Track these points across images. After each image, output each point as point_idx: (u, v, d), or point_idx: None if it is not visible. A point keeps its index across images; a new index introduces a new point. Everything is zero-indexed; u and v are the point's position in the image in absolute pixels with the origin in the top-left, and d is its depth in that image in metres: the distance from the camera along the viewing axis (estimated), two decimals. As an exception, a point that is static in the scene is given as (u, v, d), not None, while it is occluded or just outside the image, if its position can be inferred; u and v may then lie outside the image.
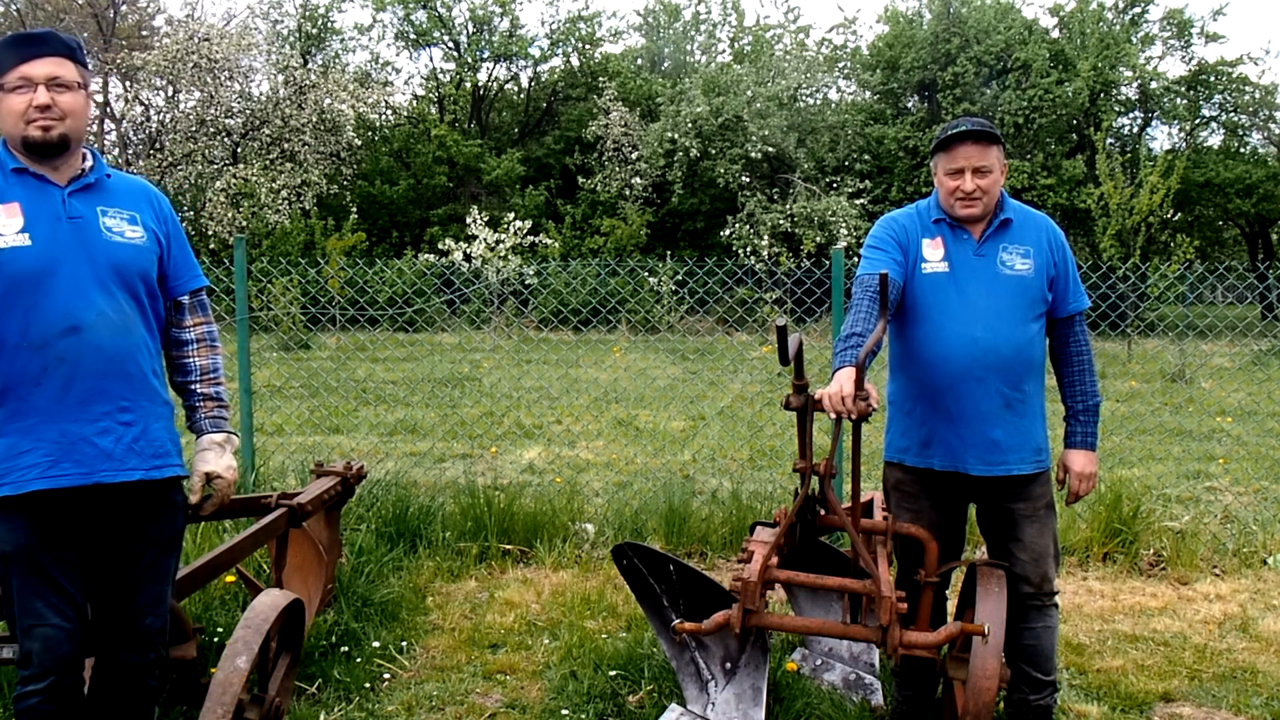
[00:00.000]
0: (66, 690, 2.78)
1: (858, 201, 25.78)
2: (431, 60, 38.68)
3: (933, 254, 3.43)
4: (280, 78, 26.52)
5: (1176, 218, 27.81)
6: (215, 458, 3.05)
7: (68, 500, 2.75)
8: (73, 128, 2.79)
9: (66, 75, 2.78)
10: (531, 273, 21.33)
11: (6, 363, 2.70)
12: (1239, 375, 14.19)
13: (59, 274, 2.72)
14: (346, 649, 4.37)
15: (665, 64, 33.32)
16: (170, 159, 25.44)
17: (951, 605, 3.85)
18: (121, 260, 2.83)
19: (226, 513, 4.41)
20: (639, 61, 33.40)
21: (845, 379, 2.98)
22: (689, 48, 33.49)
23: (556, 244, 25.13)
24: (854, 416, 2.96)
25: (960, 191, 3.37)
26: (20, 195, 2.75)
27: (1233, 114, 31.48)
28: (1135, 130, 30.86)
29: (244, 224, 24.23)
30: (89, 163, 2.88)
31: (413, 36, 32.01)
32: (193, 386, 3.08)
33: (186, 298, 3.09)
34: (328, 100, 26.31)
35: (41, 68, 2.74)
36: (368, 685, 4.13)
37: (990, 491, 3.47)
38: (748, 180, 26.50)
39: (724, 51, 32.46)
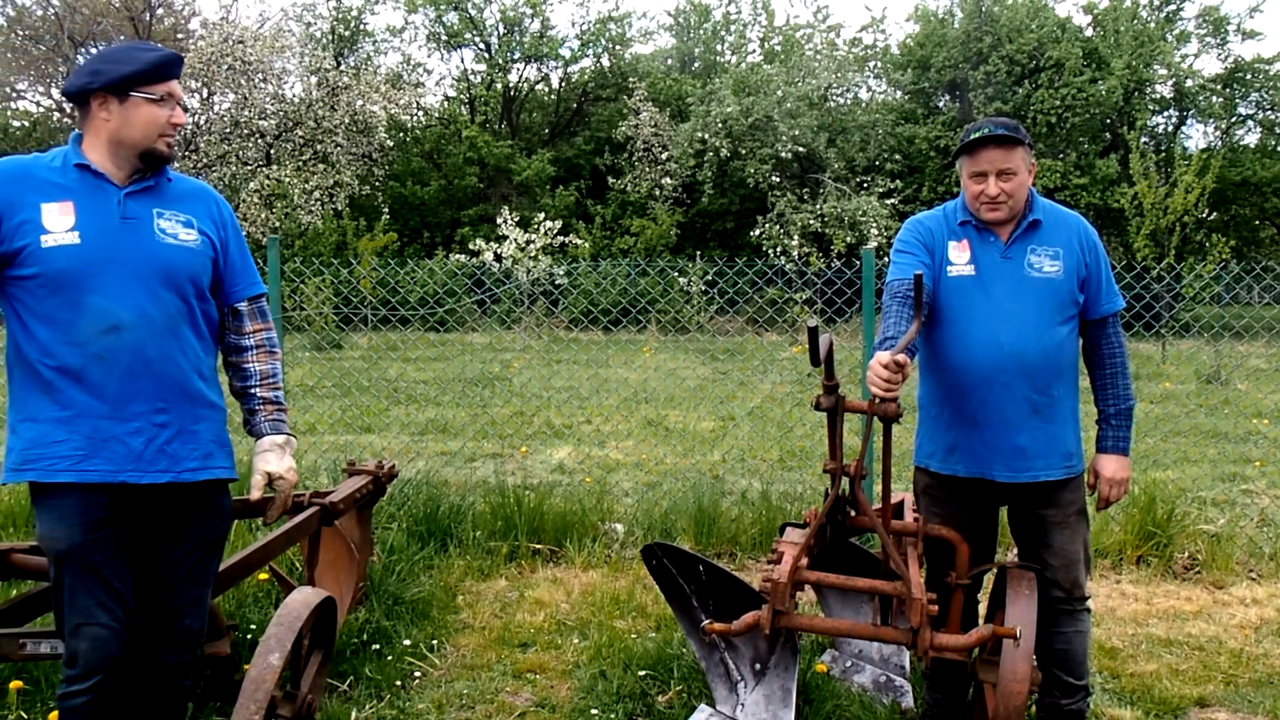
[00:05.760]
0: (112, 690, 2.79)
1: (888, 201, 25.65)
2: (463, 62, 38.93)
3: (959, 257, 3.38)
4: (313, 79, 26.72)
5: (1212, 217, 27.46)
6: (276, 459, 3.06)
7: (109, 497, 2.77)
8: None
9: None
10: (561, 273, 21.36)
11: (49, 357, 2.74)
12: (1276, 377, 13.99)
13: (105, 273, 2.75)
14: (378, 647, 4.40)
15: (695, 64, 33.28)
16: (205, 160, 25.67)
17: (983, 608, 3.83)
18: (172, 262, 2.85)
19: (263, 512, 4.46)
20: (669, 62, 33.39)
21: (882, 356, 2.95)
22: (719, 48, 33.44)
23: (586, 244, 25.16)
24: (898, 382, 2.92)
25: (985, 196, 3.31)
26: (77, 193, 2.79)
27: (1269, 112, 31.00)
28: (1170, 129, 30.48)
29: (277, 224, 24.43)
30: None
31: (444, 38, 32.14)
32: (252, 391, 3.09)
33: (245, 304, 3.10)
34: (360, 102, 26.48)
35: (178, 88, 2.91)
36: (398, 683, 4.16)
37: (1019, 497, 3.43)
38: (778, 180, 26.41)
39: (754, 51, 32.39)
